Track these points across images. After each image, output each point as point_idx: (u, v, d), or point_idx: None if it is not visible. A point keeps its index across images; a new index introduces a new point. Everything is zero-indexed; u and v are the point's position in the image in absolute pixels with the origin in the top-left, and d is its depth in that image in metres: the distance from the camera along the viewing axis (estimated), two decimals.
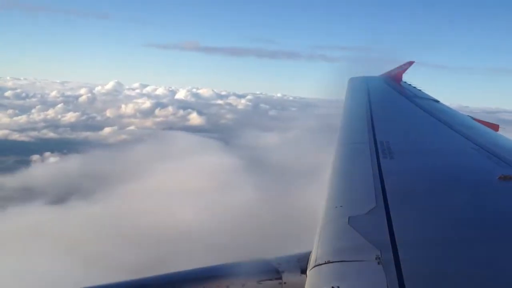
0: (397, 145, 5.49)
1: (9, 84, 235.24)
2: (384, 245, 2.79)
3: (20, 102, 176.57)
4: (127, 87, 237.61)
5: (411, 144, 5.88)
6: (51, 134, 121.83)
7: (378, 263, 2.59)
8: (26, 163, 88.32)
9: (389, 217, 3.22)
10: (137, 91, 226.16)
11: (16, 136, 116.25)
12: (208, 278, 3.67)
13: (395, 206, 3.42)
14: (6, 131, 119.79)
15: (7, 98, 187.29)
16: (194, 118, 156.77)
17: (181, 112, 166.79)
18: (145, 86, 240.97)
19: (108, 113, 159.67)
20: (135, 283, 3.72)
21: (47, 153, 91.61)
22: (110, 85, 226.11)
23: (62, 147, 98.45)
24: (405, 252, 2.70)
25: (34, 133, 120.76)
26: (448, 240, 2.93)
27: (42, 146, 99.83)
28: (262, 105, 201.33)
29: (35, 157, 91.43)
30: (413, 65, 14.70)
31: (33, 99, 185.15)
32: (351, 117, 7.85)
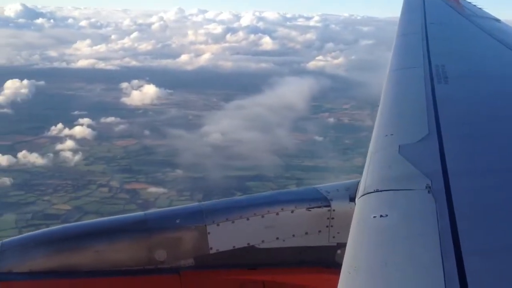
0: (453, 69, 5.05)
1: (76, 14, 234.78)
2: (435, 174, 2.56)
3: (97, 31, 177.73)
4: (187, 13, 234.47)
5: (468, 68, 5.36)
6: (133, 62, 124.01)
7: (428, 192, 2.39)
8: (117, 90, 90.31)
9: (441, 145, 2.94)
10: (201, 16, 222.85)
11: (102, 65, 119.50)
12: (260, 205, 3.68)
13: (448, 134, 3.12)
14: (92, 60, 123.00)
15: (83, 27, 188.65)
16: (267, 43, 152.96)
17: (252, 36, 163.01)
18: (204, 12, 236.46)
19: (181, 40, 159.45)
20: (208, 206, 3.73)
21: (135, 81, 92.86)
22: (173, 12, 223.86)
23: (144, 74, 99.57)
24: (456, 181, 2.48)
25: (117, 62, 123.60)
26: (501, 171, 2.68)
27: (127, 74, 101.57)
28: (332, 26, 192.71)
29: (124, 84, 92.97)
30: None
31: (108, 28, 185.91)
32: (404, 39, 7.22)
